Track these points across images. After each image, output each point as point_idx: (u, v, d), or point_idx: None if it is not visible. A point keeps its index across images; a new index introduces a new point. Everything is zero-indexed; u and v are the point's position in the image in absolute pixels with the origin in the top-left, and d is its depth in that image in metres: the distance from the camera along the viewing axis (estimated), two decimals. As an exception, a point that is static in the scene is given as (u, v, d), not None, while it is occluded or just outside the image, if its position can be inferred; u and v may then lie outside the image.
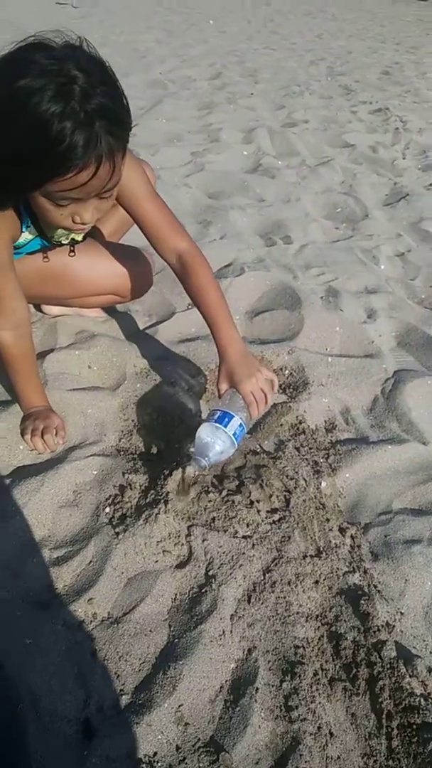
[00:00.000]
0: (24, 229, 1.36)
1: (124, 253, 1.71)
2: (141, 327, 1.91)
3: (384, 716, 1.00)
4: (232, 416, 1.28)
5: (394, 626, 1.15)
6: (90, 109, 0.97)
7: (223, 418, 1.28)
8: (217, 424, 1.27)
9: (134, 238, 1.89)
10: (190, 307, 2.00)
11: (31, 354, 1.44)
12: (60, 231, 1.42)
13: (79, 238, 1.50)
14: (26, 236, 1.39)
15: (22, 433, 1.42)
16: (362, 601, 1.17)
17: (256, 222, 2.74)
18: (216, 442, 1.26)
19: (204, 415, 1.56)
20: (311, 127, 4.22)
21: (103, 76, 1.02)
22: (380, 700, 1.02)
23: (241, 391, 1.32)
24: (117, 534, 1.24)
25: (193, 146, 3.57)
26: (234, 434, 1.27)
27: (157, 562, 1.20)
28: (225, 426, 1.27)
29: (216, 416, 1.29)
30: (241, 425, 1.29)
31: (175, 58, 6.01)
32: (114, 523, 1.27)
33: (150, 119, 3.96)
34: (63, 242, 1.49)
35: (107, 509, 1.30)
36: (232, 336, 1.37)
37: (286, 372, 1.78)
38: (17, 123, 0.96)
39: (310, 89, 5.37)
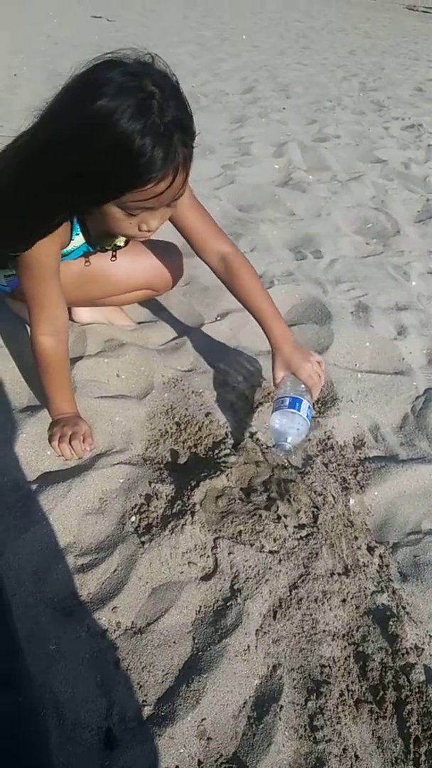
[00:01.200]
0: (74, 237, 1.39)
1: (157, 247, 1.74)
2: (170, 337, 1.92)
3: (412, 742, 0.98)
4: (301, 400, 1.35)
5: (423, 649, 1.13)
6: (167, 122, 1.03)
7: (294, 403, 1.34)
8: (291, 410, 1.33)
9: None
10: (218, 318, 2.01)
11: (66, 361, 1.46)
12: (104, 240, 1.46)
13: (121, 243, 1.54)
14: (74, 244, 1.43)
15: (50, 439, 1.43)
16: (390, 622, 1.15)
17: (286, 235, 2.74)
18: (293, 425, 1.32)
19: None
20: (342, 142, 4.22)
21: (174, 90, 1.07)
22: (408, 724, 1.00)
23: (301, 375, 1.41)
24: (142, 543, 1.23)
25: (224, 159, 3.59)
26: (307, 416, 1.34)
27: (182, 573, 1.20)
28: (298, 410, 1.33)
29: (287, 402, 1.35)
30: (309, 407, 1.37)
31: (208, 72, 6.06)
32: (140, 532, 1.27)
33: (182, 132, 3.99)
34: (107, 248, 1.53)
35: (133, 518, 1.30)
36: (284, 328, 1.47)
37: (315, 386, 1.76)
38: (99, 139, 1.01)
39: (341, 104, 5.38)
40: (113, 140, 1.00)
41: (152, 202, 1.11)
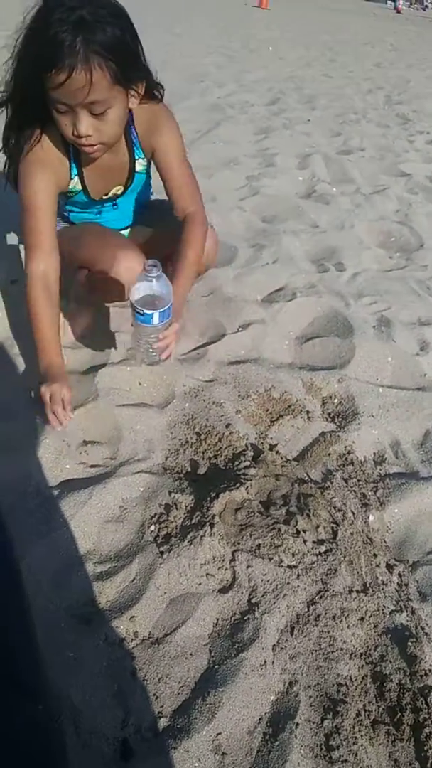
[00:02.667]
0: (72, 177, 1.55)
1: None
2: (191, 347, 1.93)
3: (429, 766, 0.97)
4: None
5: (442, 672, 1.11)
6: (82, 28, 1.19)
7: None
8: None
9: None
10: (239, 329, 2.01)
11: (54, 311, 1.53)
12: (100, 186, 1.63)
13: (119, 192, 1.68)
14: (74, 184, 1.57)
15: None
16: (409, 643, 1.14)
17: (309, 247, 2.74)
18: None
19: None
20: (367, 155, 4.22)
21: (117, 19, 1.25)
22: (426, 748, 0.98)
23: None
24: (161, 553, 1.24)
25: (248, 170, 3.61)
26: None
27: (200, 584, 1.20)
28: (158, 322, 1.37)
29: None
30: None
31: (234, 83, 6.11)
32: (159, 541, 1.27)
33: (207, 142, 4.02)
34: (105, 198, 1.66)
35: (152, 527, 1.30)
36: (181, 292, 1.55)
37: (336, 401, 1.76)
38: (32, 33, 1.25)
39: (366, 117, 5.39)
40: (41, 34, 1.20)
41: (60, 94, 1.25)
